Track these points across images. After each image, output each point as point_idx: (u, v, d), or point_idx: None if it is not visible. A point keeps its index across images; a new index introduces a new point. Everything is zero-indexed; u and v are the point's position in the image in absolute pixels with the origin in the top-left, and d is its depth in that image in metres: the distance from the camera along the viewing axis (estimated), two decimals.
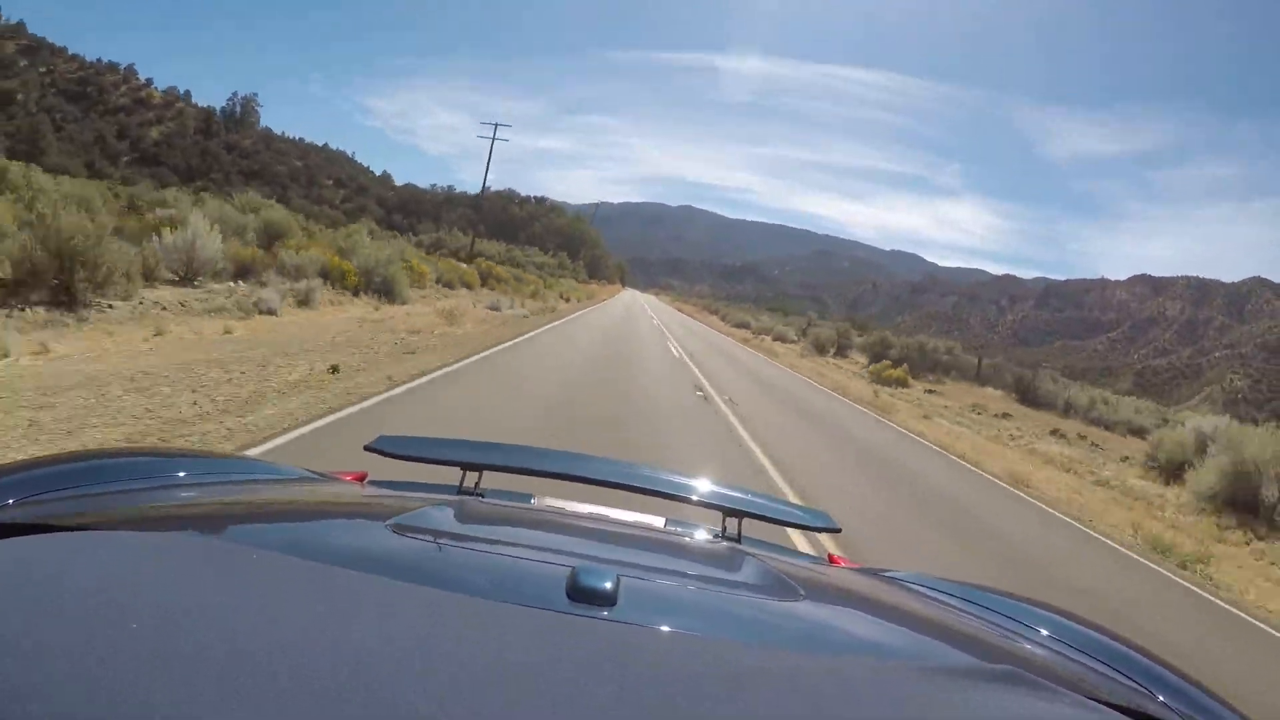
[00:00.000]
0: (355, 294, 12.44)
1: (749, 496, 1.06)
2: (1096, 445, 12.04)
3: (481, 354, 8.18)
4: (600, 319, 20.57)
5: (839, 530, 1.07)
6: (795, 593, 0.62)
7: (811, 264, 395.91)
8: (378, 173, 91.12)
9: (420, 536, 0.59)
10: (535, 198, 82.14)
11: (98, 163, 65.98)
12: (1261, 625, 4.14)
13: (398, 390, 5.26)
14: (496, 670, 0.35)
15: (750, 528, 0.97)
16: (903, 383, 16.93)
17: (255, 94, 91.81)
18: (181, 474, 0.75)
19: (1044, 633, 0.72)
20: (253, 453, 3.24)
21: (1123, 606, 3.88)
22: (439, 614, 0.41)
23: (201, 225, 9.53)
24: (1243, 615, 4.26)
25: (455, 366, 6.86)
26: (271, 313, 8.89)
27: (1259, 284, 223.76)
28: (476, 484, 0.98)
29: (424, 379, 5.91)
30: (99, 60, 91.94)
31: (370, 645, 0.35)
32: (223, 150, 79.96)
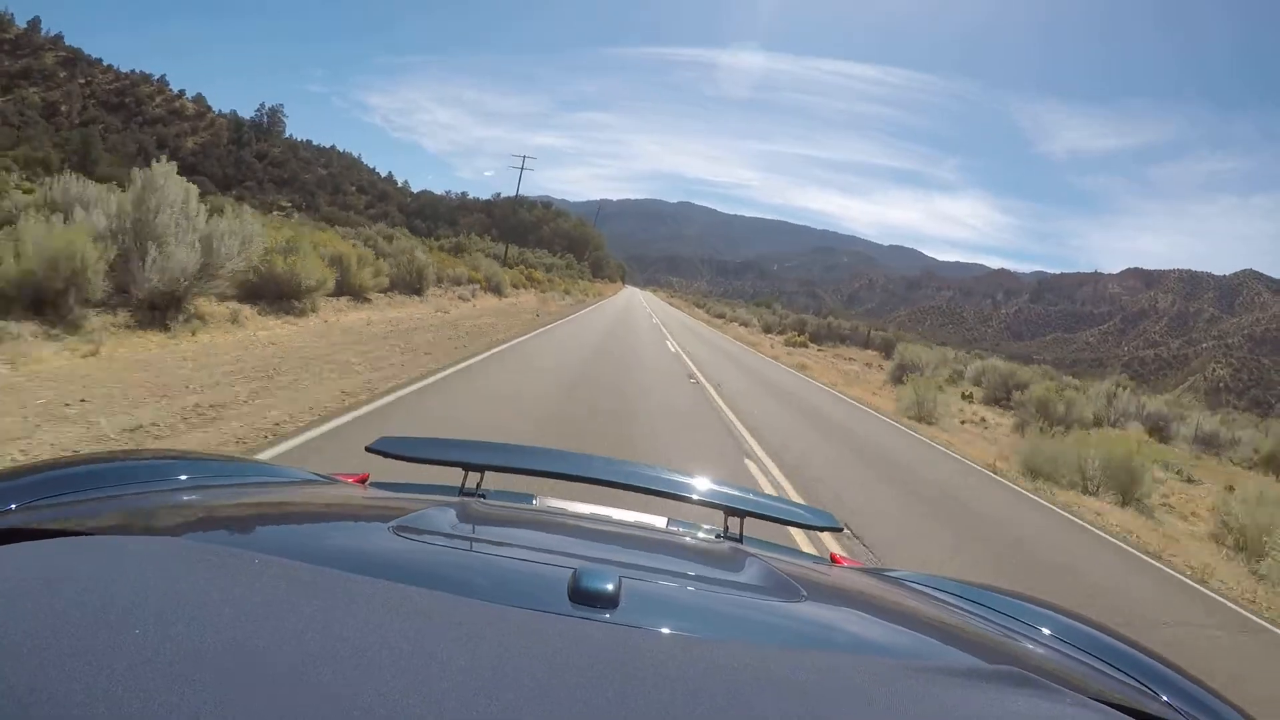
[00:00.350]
0: (484, 291, 23.27)
1: (750, 496, 1.10)
2: (881, 368, 22.92)
3: (573, 315, 19.59)
4: (613, 306, 32.64)
5: (841, 529, 1.19)
6: (797, 593, 0.64)
7: (811, 260, 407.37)
8: (383, 173, 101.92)
9: (422, 539, 0.60)
10: (543, 203, 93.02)
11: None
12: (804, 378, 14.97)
13: (560, 321, 16.20)
14: (498, 674, 0.36)
15: (751, 527, 1.00)
16: (804, 345, 27.92)
17: (281, 105, 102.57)
18: (183, 477, 0.78)
19: (1046, 632, 0.75)
20: (555, 324, 14.08)
21: (758, 367, 14.74)
22: (441, 617, 0.42)
23: (426, 254, 20.44)
24: (810, 381, 15.08)
25: (571, 316, 18.09)
26: (467, 300, 19.77)
27: (1250, 277, 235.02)
28: (478, 485, 1.02)
29: (566, 319, 17.02)
30: (134, 71, 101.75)
31: (372, 649, 0.36)
32: (254, 159, 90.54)
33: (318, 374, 5.54)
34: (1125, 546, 5.61)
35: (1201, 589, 4.84)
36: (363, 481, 1.05)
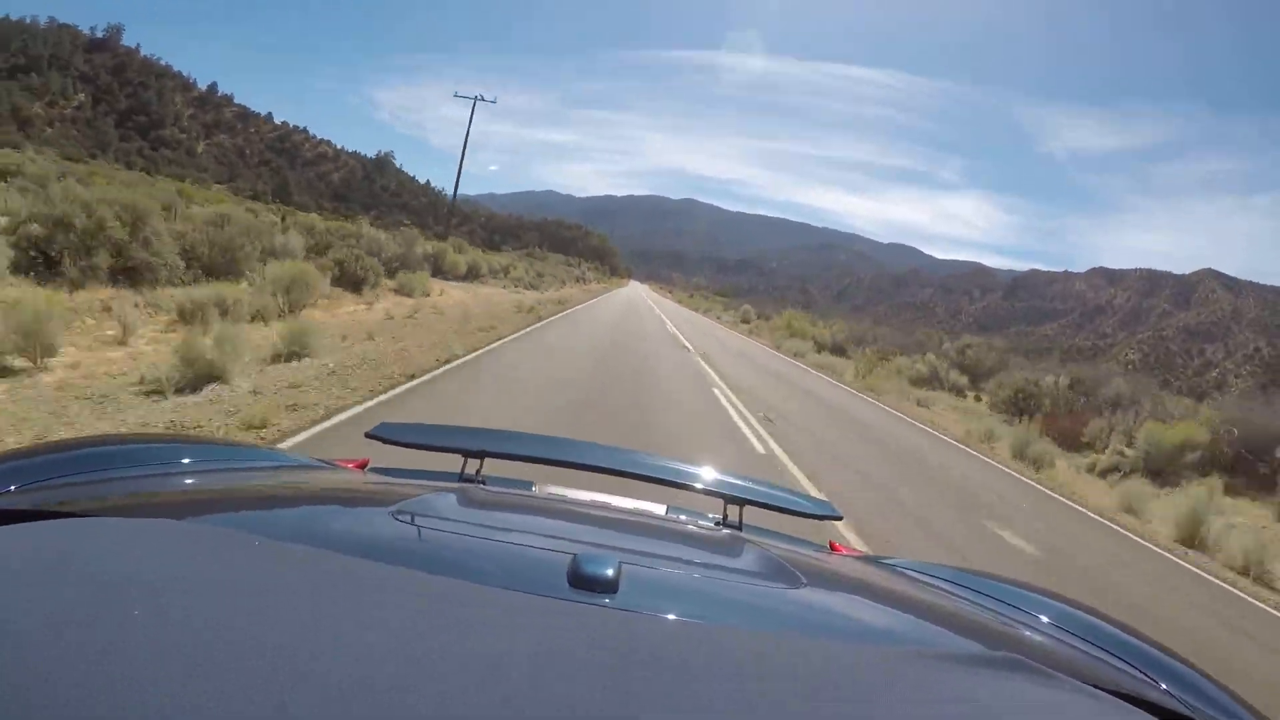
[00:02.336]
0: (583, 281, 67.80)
1: (750, 484, 1.14)
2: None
3: (614, 290, 64.84)
4: (628, 289, 77.51)
5: (840, 518, 1.19)
6: (796, 579, 0.66)
7: (809, 257, 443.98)
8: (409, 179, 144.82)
9: (422, 523, 0.63)
10: (578, 225, 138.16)
11: (318, 201, 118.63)
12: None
13: (618, 289, 61.23)
14: (497, 657, 0.37)
15: (751, 515, 1.05)
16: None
17: (391, 150, 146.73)
18: (184, 460, 0.80)
19: (1045, 619, 0.78)
20: (617, 289, 58.70)
21: (666, 302, 59.29)
22: (440, 601, 0.43)
23: (586, 267, 65.85)
24: (678, 305, 59.40)
25: (616, 291, 63.24)
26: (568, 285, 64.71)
27: (1208, 275, 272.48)
28: (478, 471, 1.05)
29: (614, 290, 62.07)
30: (285, 123, 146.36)
31: (370, 631, 0.37)
32: (381, 190, 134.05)
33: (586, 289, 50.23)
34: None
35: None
36: (362, 467, 1.10)
